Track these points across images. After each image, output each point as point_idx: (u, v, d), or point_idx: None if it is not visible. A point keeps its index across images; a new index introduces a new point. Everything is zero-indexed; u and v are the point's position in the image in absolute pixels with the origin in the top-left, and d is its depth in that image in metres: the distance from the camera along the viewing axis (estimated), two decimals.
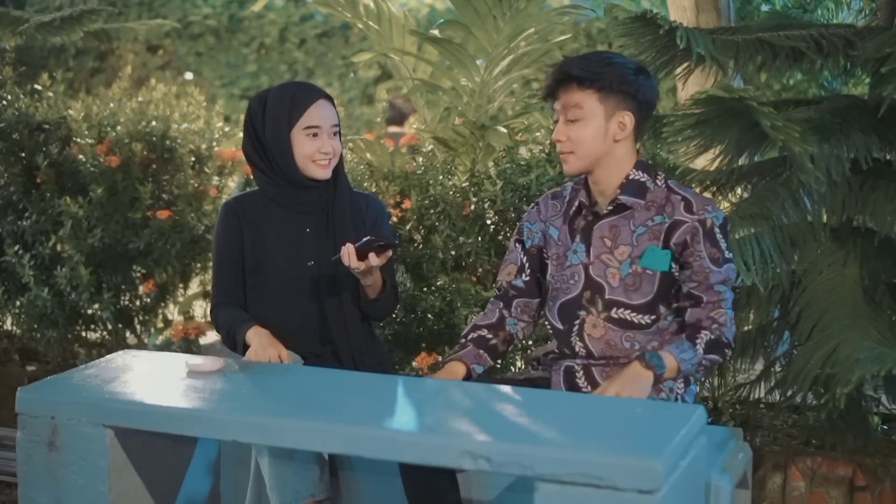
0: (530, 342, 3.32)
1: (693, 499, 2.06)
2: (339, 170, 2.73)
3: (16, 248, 4.08)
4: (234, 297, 2.71)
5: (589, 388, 2.47)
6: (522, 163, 3.43)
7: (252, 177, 3.00)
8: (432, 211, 3.45)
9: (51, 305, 4.10)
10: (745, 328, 3.19)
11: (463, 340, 2.60)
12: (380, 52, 3.93)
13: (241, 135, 2.86)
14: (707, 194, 3.19)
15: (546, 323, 2.61)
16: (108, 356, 2.58)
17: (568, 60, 2.44)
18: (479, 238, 3.38)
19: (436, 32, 3.82)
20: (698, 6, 4.63)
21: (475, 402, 2.22)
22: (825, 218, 3.13)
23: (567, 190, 2.58)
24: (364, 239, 2.49)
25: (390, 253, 2.52)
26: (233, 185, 4.59)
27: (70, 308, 4.18)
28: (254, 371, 2.41)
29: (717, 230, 2.41)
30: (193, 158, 4.36)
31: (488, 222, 3.43)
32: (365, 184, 3.57)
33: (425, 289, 3.45)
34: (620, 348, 2.45)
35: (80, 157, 4.09)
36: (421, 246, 3.48)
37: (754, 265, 2.93)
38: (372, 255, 2.48)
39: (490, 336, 2.60)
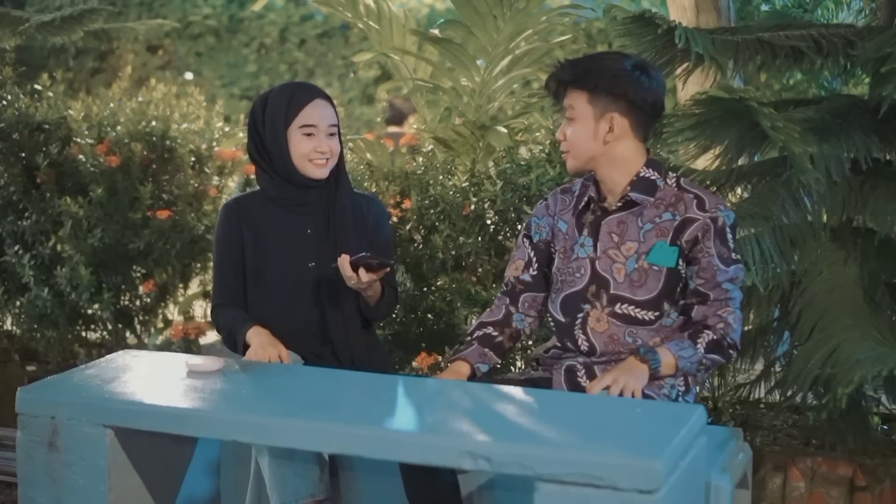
0: (530, 342, 3.32)
1: (693, 499, 2.07)
2: (340, 171, 2.73)
3: (16, 248, 4.08)
4: (234, 299, 2.71)
5: None
6: (522, 163, 3.43)
7: (253, 177, 3.00)
8: (432, 211, 3.45)
9: (51, 305, 4.10)
10: (746, 328, 3.18)
11: (468, 339, 2.61)
12: (380, 52, 3.93)
13: (241, 135, 2.87)
14: (710, 192, 3.19)
15: (548, 317, 2.61)
16: (108, 356, 2.58)
17: (561, 63, 2.46)
18: (479, 238, 3.38)
19: (436, 32, 3.82)
20: (698, 6, 4.63)
21: (475, 402, 2.22)
22: (825, 218, 3.12)
23: (577, 185, 2.59)
24: (360, 254, 2.50)
25: (382, 272, 2.51)
26: (233, 185, 4.58)
27: (70, 308, 4.18)
28: (254, 371, 2.41)
29: (727, 229, 2.42)
30: (193, 158, 4.36)
31: (488, 222, 3.43)
32: (365, 184, 3.57)
33: (425, 289, 3.45)
34: (623, 343, 2.45)
35: (80, 157, 4.09)
36: (421, 246, 3.48)
37: (754, 265, 2.93)
38: (361, 271, 2.48)
39: (496, 333, 2.60)
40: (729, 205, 3.13)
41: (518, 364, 3.45)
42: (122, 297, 4.31)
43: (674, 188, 2.46)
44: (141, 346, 4.35)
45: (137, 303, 4.37)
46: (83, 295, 4.04)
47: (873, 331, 2.78)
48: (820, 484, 3.00)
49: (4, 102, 4.30)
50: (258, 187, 2.76)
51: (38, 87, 4.45)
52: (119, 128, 4.23)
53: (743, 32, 3.13)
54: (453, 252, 3.39)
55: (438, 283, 3.43)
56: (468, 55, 3.65)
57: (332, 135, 2.68)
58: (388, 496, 2.55)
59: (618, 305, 2.45)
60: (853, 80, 3.72)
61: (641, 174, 2.45)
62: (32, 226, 4.16)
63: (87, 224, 4.08)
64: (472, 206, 3.40)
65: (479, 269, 3.43)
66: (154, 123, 4.28)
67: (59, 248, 4.10)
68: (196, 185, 4.32)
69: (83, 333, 4.37)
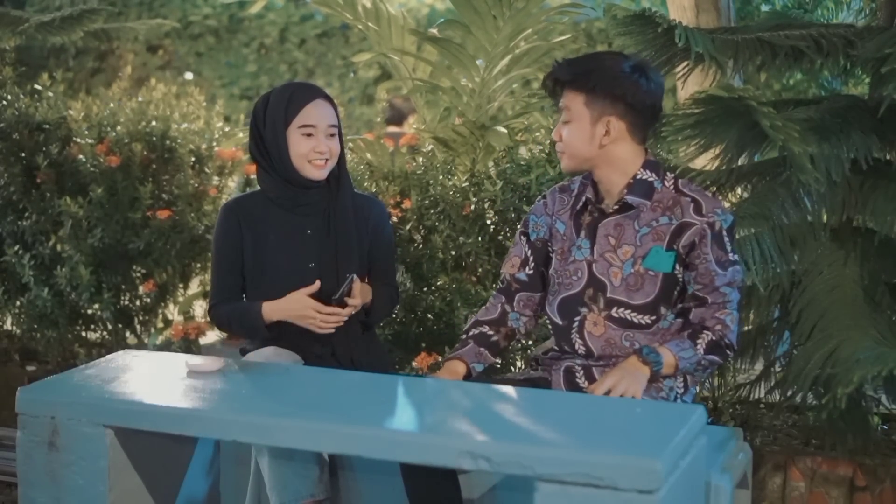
0: (530, 342, 3.32)
1: (693, 499, 2.07)
2: (341, 172, 2.73)
3: (16, 248, 4.08)
4: (231, 299, 2.71)
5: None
6: (522, 163, 3.43)
7: (253, 177, 3.01)
8: (432, 211, 3.45)
9: (51, 305, 4.10)
10: (745, 328, 3.18)
11: (464, 337, 2.60)
12: (379, 52, 3.93)
13: (241, 135, 2.87)
14: (707, 194, 3.19)
15: (545, 319, 2.61)
16: (108, 356, 2.58)
17: (559, 63, 2.45)
18: (479, 238, 3.38)
19: (435, 32, 3.82)
20: (698, 6, 4.63)
21: (475, 402, 2.22)
22: (825, 218, 3.12)
23: (575, 184, 2.57)
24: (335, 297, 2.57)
25: (354, 301, 2.59)
26: (233, 185, 4.58)
27: (70, 308, 4.18)
28: (254, 371, 2.42)
29: (724, 233, 2.40)
30: (193, 158, 4.36)
31: (488, 222, 3.43)
32: (365, 184, 3.57)
33: (425, 289, 3.45)
34: (620, 347, 2.45)
35: (80, 157, 4.09)
36: (421, 246, 3.48)
37: (754, 265, 2.93)
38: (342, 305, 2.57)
39: (491, 332, 2.60)
40: (728, 206, 3.14)
41: (518, 364, 3.45)
42: (122, 297, 4.31)
43: (671, 190, 2.44)
44: (141, 346, 4.35)
45: (137, 303, 4.37)
46: (83, 295, 4.04)
47: (873, 330, 2.78)
48: (820, 484, 3.00)
49: (4, 102, 4.30)
50: (258, 187, 2.76)
51: (38, 87, 4.44)
52: (119, 128, 4.23)
53: (743, 32, 3.13)
54: (453, 252, 3.39)
55: (438, 283, 3.43)
56: (468, 55, 3.64)
57: (332, 135, 2.67)
58: (388, 496, 2.55)
59: (614, 309, 2.44)
60: (853, 80, 3.72)
61: (639, 176, 2.43)
62: (32, 226, 4.16)
63: (87, 224, 4.08)
64: (472, 206, 3.40)
65: (479, 269, 3.43)
66: (154, 123, 4.28)
67: (59, 248, 4.10)
68: (196, 185, 4.32)
69: (83, 333, 4.37)
